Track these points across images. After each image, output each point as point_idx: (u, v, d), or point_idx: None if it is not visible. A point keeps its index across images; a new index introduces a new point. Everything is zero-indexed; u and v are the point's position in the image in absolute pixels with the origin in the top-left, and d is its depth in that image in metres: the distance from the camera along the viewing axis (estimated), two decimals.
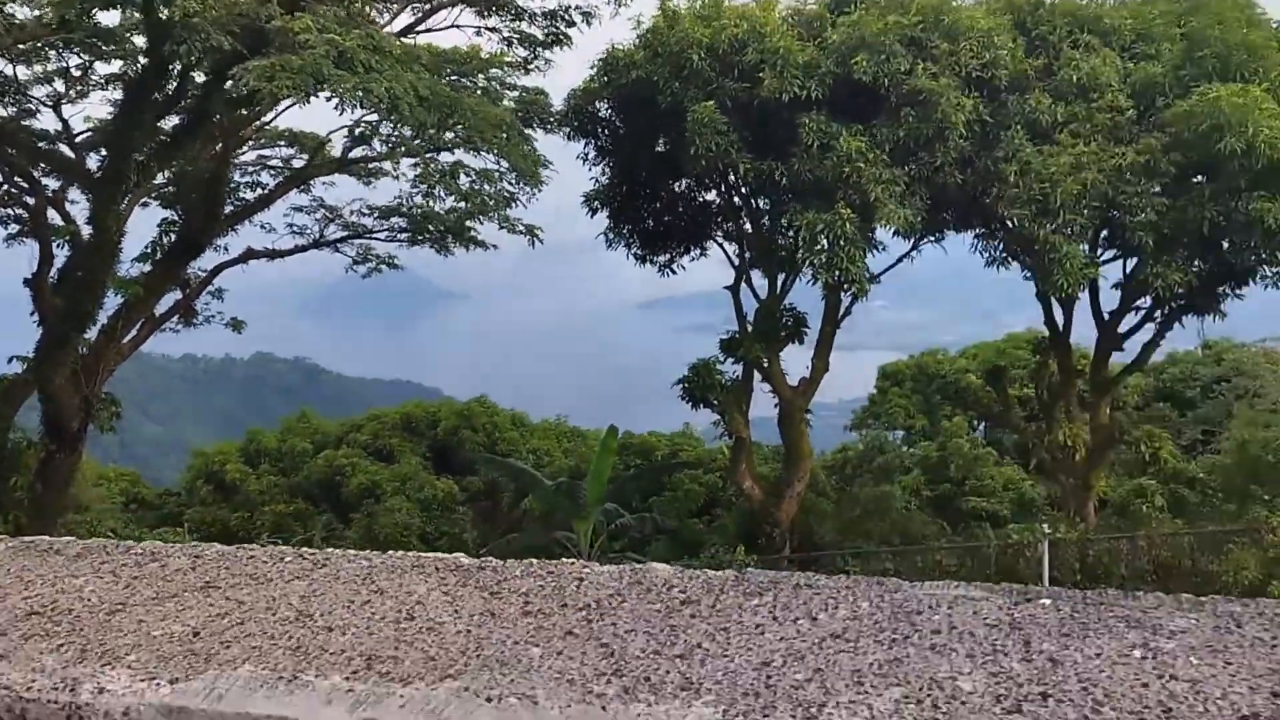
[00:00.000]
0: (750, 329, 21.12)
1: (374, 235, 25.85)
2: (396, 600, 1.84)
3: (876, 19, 16.56)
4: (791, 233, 16.84)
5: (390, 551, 2.23)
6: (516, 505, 25.53)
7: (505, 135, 18.65)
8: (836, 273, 16.25)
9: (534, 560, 2.06)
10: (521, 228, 15.61)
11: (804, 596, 1.72)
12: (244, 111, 17.36)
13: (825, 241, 16.04)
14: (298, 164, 25.08)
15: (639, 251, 23.41)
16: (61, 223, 21.75)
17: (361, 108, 11.77)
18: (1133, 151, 15.83)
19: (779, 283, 20.15)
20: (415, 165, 15.68)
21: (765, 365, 19.68)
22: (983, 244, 18.85)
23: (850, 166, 16.23)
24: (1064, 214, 15.74)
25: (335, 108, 13.16)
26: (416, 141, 18.37)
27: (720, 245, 22.49)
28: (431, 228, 25.98)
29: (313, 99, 18.91)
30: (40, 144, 18.45)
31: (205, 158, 17.83)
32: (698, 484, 27.48)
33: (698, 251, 23.83)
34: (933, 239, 19.20)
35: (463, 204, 13.64)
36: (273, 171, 25.06)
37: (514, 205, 15.26)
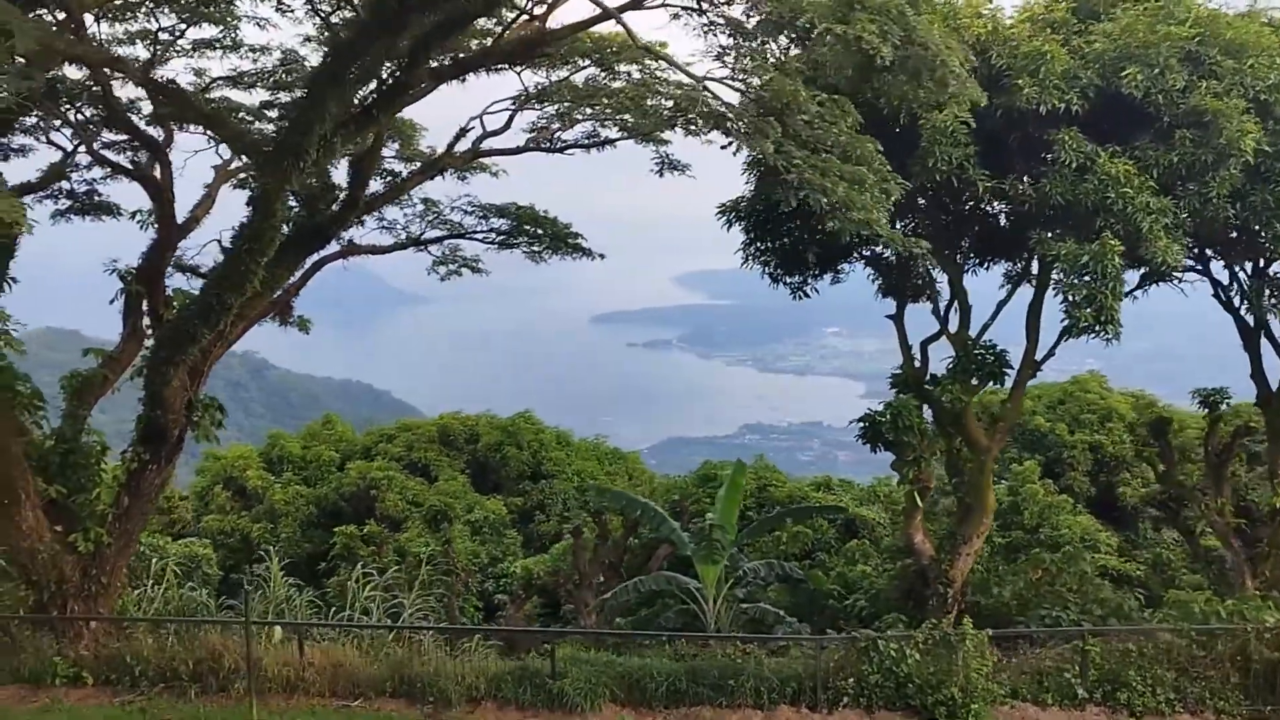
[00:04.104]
0: (916, 366, 19.24)
1: (473, 235, 23.58)
2: None
3: (1147, 28, 14.74)
4: (1049, 262, 14.98)
5: None
6: (626, 541, 23.23)
7: None
8: (1095, 310, 14.35)
9: None
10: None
11: None
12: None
13: (1090, 276, 14.13)
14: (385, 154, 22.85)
15: (773, 271, 21.49)
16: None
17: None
18: None
19: (968, 315, 18.24)
20: None
21: (959, 408, 17.71)
22: (1247, 284, 17.21)
23: (1116, 192, 14.37)
24: None
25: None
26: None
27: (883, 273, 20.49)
28: (529, 228, 23.89)
29: None
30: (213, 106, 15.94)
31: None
32: (806, 527, 25.44)
33: (831, 276, 22.01)
34: (1176, 278, 17.43)
35: None
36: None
37: None
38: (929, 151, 15.06)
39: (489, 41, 17.43)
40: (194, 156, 20.48)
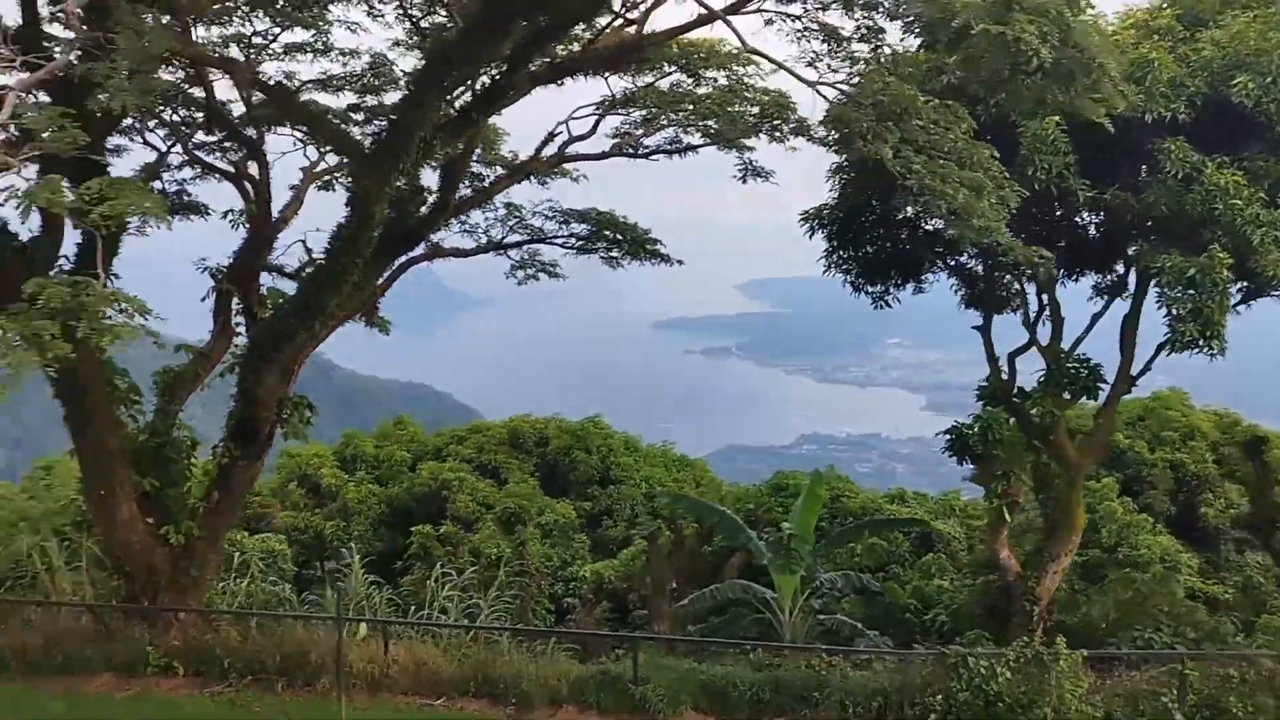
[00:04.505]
0: (1003, 378, 18.90)
1: (553, 240, 23.68)
2: None
3: (1258, 35, 14.33)
4: (1151, 274, 14.63)
5: None
6: (701, 548, 23.15)
7: None
8: (1201, 325, 13.96)
9: None
10: None
11: None
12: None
13: (1195, 289, 13.77)
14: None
15: (855, 280, 21.31)
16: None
17: None
18: None
19: (1060, 327, 17.88)
20: None
21: (1049, 422, 17.37)
22: None
23: (1225, 203, 13.98)
24: None
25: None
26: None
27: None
28: (608, 234, 23.94)
29: None
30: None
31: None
32: (881, 539, 25.09)
33: (913, 285, 21.75)
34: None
35: None
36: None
37: None
38: (1029, 160, 14.77)
39: (575, 47, 17.56)
40: (280, 157, 20.95)
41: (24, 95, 8.07)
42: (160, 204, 7.58)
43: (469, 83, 13.30)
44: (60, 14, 15.08)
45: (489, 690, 15.32)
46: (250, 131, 18.38)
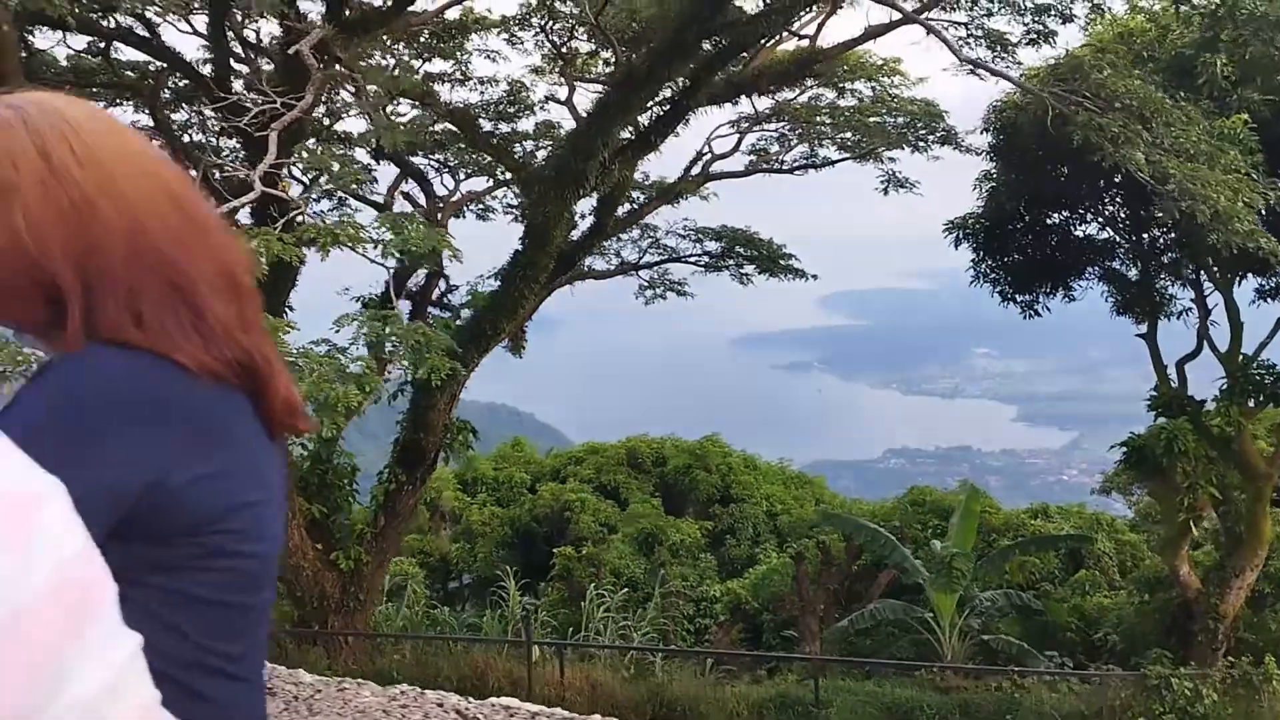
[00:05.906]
0: (1174, 386, 18.25)
1: (686, 259, 23.61)
2: None
3: None
4: None
5: None
6: (851, 567, 22.79)
7: None
8: None
9: None
10: None
11: None
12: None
13: None
14: None
15: (1004, 289, 20.88)
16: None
17: None
18: None
19: (1240, 332, 17.21)
20: None
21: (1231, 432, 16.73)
22: None
23: None
24: None
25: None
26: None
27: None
28: (741, 250, 23.78)
29: None
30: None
31: None
32: (1034, 556, 24.38)
33: (1062, 293, 21.25)
34: None
35: None
36: None
37: None
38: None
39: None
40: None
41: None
42: (447, 239, 7.65)
43: (649, 104, 13.29)
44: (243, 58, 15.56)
45: (665, 713, 15.17)
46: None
